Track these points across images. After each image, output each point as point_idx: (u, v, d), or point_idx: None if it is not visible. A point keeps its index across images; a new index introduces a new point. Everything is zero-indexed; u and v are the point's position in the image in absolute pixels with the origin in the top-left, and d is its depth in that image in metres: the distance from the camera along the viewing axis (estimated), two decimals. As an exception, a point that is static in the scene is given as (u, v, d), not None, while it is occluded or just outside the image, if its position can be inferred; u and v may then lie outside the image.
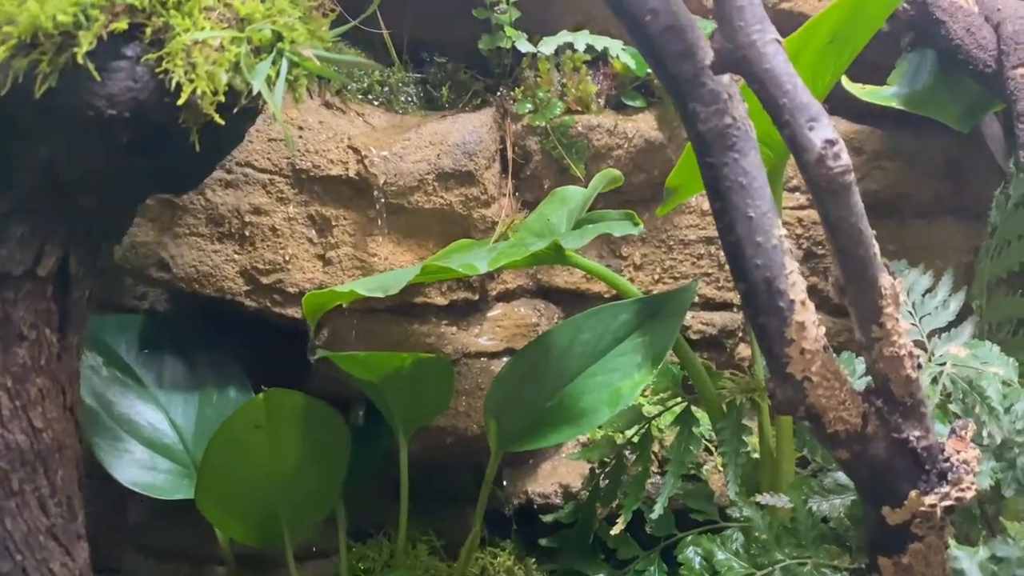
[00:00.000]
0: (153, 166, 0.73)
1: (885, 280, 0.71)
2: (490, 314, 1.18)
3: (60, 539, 0.74)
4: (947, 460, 0.72)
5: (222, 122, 0.69)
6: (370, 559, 1.17)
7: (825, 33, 0.79)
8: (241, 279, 1.08)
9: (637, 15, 0.72)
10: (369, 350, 1.13)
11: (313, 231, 1.08)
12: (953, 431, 0.74)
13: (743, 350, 1.30)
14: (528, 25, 1.19)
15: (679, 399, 1.03)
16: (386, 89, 1.18)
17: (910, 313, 1.06)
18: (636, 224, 0.91)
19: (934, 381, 0.90)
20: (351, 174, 1.06)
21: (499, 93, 1.21)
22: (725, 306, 1.28)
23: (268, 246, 1.07)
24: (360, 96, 1.16)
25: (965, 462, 0.72)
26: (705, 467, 1.10)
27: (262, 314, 1.10)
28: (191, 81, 0.67)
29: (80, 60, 0.64)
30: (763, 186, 0.73)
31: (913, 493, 0.71)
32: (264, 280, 1.08)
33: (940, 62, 1.04)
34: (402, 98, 1.19)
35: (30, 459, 0.72)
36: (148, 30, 0.67)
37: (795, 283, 0.73)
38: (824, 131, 0.66)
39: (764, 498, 0.93)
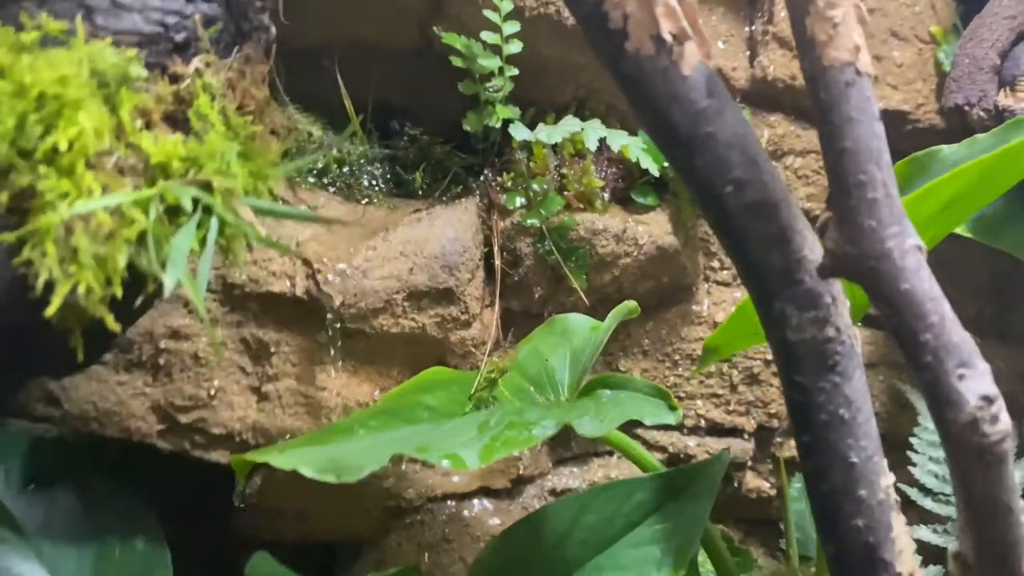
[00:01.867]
0: (16, 367, 0.50)
1: (1031, 566, 0.53)
2: (461, 444, 0.98)
3: None
4: None
5: (117, 327, 0.47)
6: None
7: (943, 198, 0.61)
8: (153, 416, 0.85)
9: (715, 184, 0.52)
10: (311, 498, 0.92)
11: (247, 358, 0.86)
12: None
13: (751, 480, 1.13)
14: (518, 93, 0.98)
15: (697, 587, 0.85)
16: (346, 170, 0.95)
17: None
18: (673, 409, 0.72)
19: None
20: (298, 292, 0.84)
21: (484, 176, 0.99)
22: (734, 432, 1.10)
23: (189, 377, 0.84)
24: (312, 179, 0.94)
25: None
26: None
27: (179, 457, 0.87)
28: (69, 275, 0.44)
29: None
30: (869, 419, 0.54)
31: None
32: (183, 419, 0.85)
33: (1016, 193, 0.87)
34: (365, 181, 0.96)
35: None
36: (2, 194, 0.45)
37: (902, 550, 0.55)
38: (980, 383, 0.47)
39: None
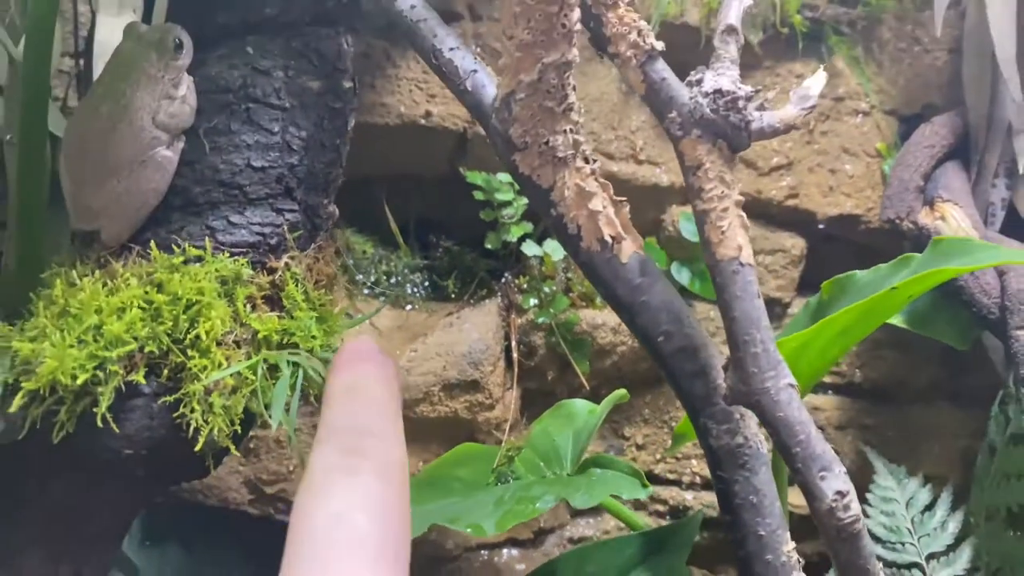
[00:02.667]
0: (165, 483, 0.73)
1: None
2: (491, 500, 1.19)
3: None
4: None
5: (236, 452, 0.69)
6: None
7: (837, 328, 0.80)
8: (245, 488, 1.08)
9: (651, 335, 0.72)
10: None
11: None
12: None
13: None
14: (531, 209, 1.19)
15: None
16: (392, 281, 1.18)
17: (909, 531, 1.08)
18: (644, 487, 0.92)
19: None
20: (357, 388, 1.07)
21: (504, 279, 1.21)
22: (725, 486, 1.29)
23: (272, 457, 1.07)
24: (367, 290, 1.16)
25: None
26: None
27: (265, 521, 1.10)
28: (207, 422, 0.67)
29: (99, 419, 0.64)
30: (773, 503, 0.74)
31: None
32: (268, 490, 1.08)
33: (942, 288, 1.05)
34: (408, 289, 1.19)
35: None
36: (165, 370, 0.67)
37: (803, 599, 0.74)
38: (835, 482, 0.67)
39: None
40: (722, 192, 0.68)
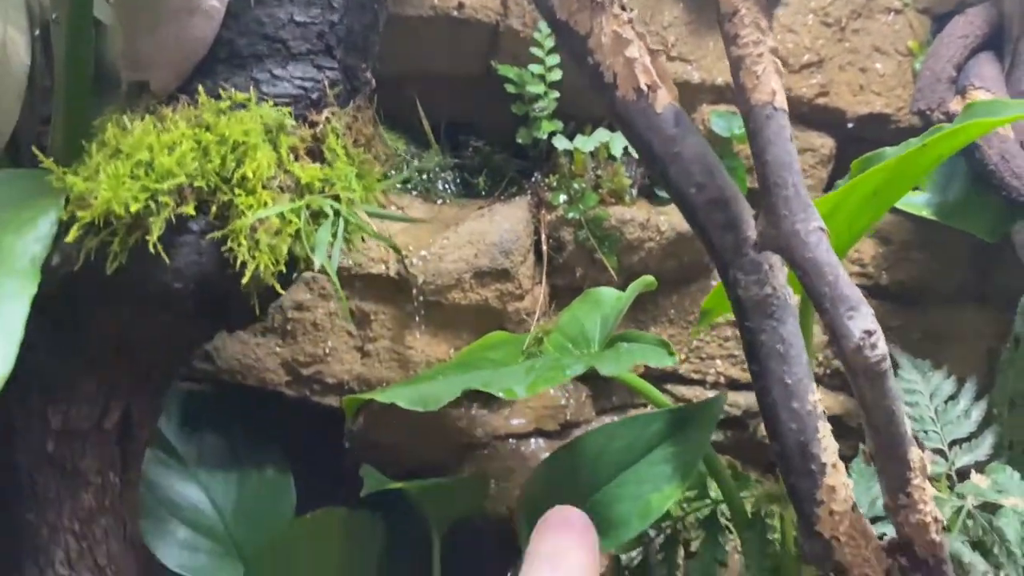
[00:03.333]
0: (212, 323, 0.76)
1: (914, 454, 0.73)
2: (519, 395, 1.21)
3: (123, 671, 0.79)
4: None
5: (282, 292, 0.72)
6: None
7: (867, 191, 0.81)
8: (282, 370, 1.11)
9: (683, 187, 0.74)
10: (403, 434, 1.17)
11: (352, 325, 1.11)
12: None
13: (763, 429, 1.34)
14: (560, 109, 1.21)
15: (706, 501, 1.07)
16: (424, 177, 1.20)
17: (932, 419, 1.09)
18: (671, 355, 0.94)
19: (956, 513, 0.93)
20: (391, 273, 1.09)
21: (534, 178, 1.23)
22: (749, 387, 1.31)
23: (309, 339, 1.10)
24: (399, 186, 1.18)
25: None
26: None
27: (301, 402, 1.13)
28: (254, 258, 0.69)
29: (151, 246, 0.66)
30: (800, 353, 0.76)
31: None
32: (304, 372, 1.11)
33: (972, 176, 1.05)
34: (439, 185, 1.21)
35: (95, 596, 0.76)
36: (213, 207, 0.70)
37: (827, 447, 0.75)
38: (863, 321, 0.68)
39: (786, 609, 0.97)
40: (757, 38, 0.69)
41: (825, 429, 0.76)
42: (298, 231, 0.72)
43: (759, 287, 0.75)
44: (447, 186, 1.21)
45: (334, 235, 0.74)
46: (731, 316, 1.28)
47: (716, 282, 1.29)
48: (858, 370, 0.70)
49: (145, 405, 0.77)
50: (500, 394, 0.91)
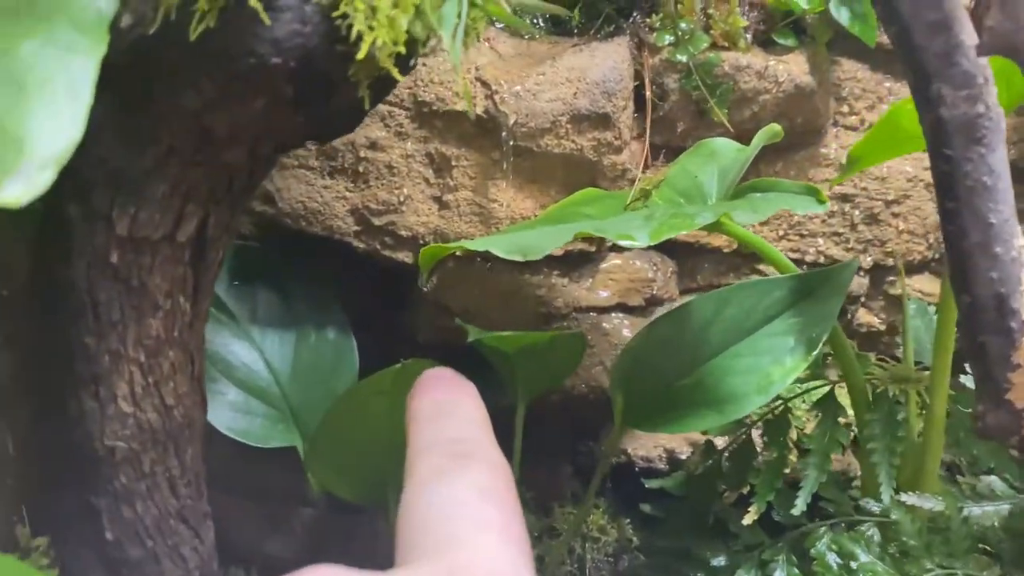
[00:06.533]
0: (310, 118, 0.63)
1: None
2: (603, 266, 1.10)
3: (189, 521, 0.69)
4: None
5: (400, 77, 0.59)
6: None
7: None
8: (352, 218, 0.99)
9: (889, -25, 0.60)
10: (477, 297, 1.06)
11: (431, 171, 0.98)
12: None
13: (864, 316, 1.23)
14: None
15: (821, 381, 0.96)
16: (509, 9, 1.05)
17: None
18: (822, 202, 0.82)
19: None
20: (478, 110, 0.96)
21: (633, 18, 1.08)
22: (851, 268, 1.19)
23: (383, 185, 0.97)
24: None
25: None
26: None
27: (369, 256, 1.01)
28: (371, 29, 0.56)
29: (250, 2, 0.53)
30: (1008, 188, 0.63)
31: None
32: (376, 221, 0.99)
33: None
34: (528, 20, 1.06)
35: (161, 438, 0.66)
36: (323, -35, 0.56)
37: (1030, 301, 0.64)
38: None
39: (912, 498, 0.87)
40: None
41: (1029, 280, 0.64)
42: (418, 7, 0.58)
43: (969, 104, 0.62)
44: (536, 21, 1.07)
45: (458, 15, 0.60)
46: (839, 189, 1.16)
47: (825, 150, 1.16)
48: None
49: (223, 218, 0.65)
50: (617, 240, 0.79)
